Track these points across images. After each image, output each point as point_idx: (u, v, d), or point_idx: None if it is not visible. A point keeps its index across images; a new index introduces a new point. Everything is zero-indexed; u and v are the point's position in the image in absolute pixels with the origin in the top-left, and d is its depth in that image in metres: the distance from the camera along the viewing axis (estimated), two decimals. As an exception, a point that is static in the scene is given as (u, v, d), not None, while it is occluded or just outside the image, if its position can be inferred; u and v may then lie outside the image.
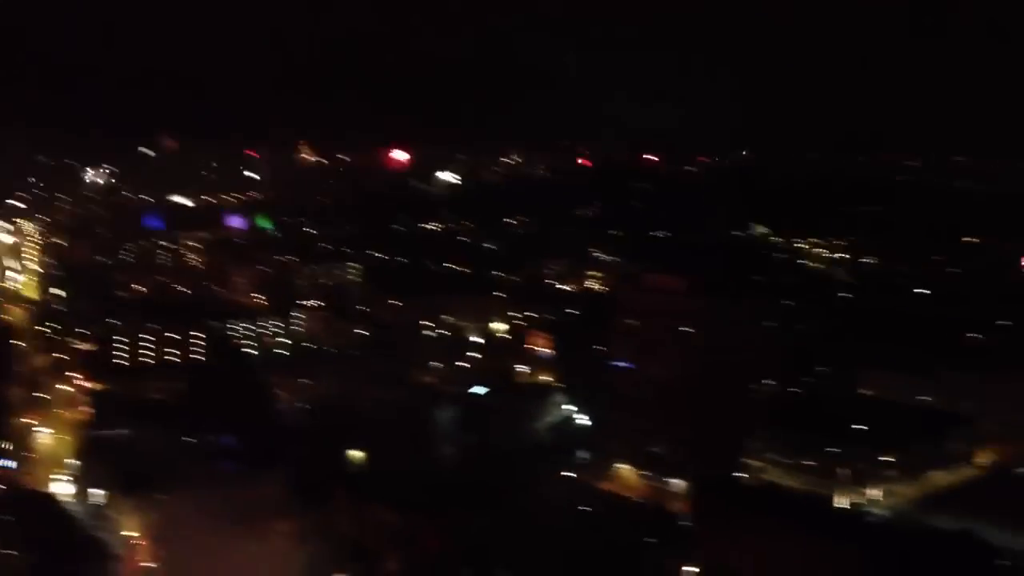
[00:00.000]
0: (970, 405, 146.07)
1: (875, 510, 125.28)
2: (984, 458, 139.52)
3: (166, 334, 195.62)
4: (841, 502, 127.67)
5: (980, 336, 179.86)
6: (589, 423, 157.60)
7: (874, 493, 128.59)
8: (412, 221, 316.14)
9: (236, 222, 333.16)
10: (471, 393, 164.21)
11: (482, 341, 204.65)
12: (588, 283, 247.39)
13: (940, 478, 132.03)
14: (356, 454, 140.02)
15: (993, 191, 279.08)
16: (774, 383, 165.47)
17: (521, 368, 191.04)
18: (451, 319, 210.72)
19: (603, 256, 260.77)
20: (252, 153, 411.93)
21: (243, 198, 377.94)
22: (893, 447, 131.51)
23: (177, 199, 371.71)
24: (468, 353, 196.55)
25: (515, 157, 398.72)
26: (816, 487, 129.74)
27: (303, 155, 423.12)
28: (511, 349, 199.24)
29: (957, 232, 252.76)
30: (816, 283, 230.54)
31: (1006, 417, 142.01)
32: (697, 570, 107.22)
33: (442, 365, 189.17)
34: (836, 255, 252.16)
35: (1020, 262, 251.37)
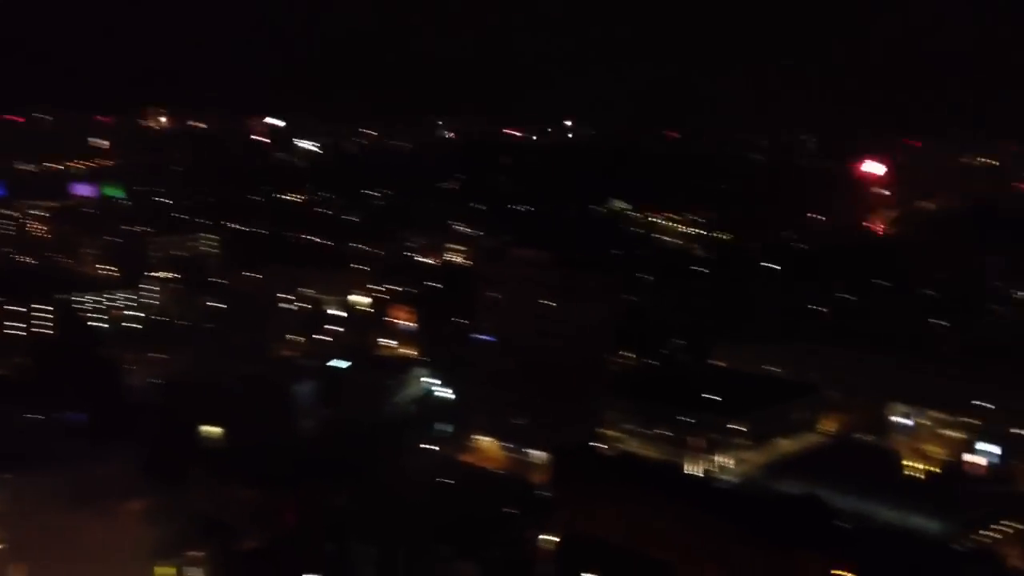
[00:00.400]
0: (814, 375, 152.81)
1: (726, 476, 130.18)
2: (827, 425, 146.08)
3: (9, 307, 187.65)
4: (694, 469, 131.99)
5: (824, 309, 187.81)
6: (451, 396, 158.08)
7: (725, 460, 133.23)
8: (271, 191, 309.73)
9: (84, 190, 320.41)
10: (331, 367, 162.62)
11: (344, 314, 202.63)
12: (450, 256, 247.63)
13: (786, 445, 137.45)
14: (212, 430, 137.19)
15: (834, 169, 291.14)
16: (631, 355, 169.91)
17: (383, 342, 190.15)
18: (311, 292, 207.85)
19: (465, 229, 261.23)
20: (100, 118, 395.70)
21: (91, 165, 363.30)
22: (743, 416, 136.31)
23: (21, 166, 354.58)
24: (329, 326, 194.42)
25: (377, 128, 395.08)
26: (671, 455, 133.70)
27: (153, 121, 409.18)
28: (373, 322, 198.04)
29: (803, 208, 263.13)
30: (672, 258, 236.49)
31: (847, 386, 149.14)
32: (557, 539, 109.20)
33: (302, 339, 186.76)
34: (692, 230, 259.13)
35: (861, 223, 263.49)
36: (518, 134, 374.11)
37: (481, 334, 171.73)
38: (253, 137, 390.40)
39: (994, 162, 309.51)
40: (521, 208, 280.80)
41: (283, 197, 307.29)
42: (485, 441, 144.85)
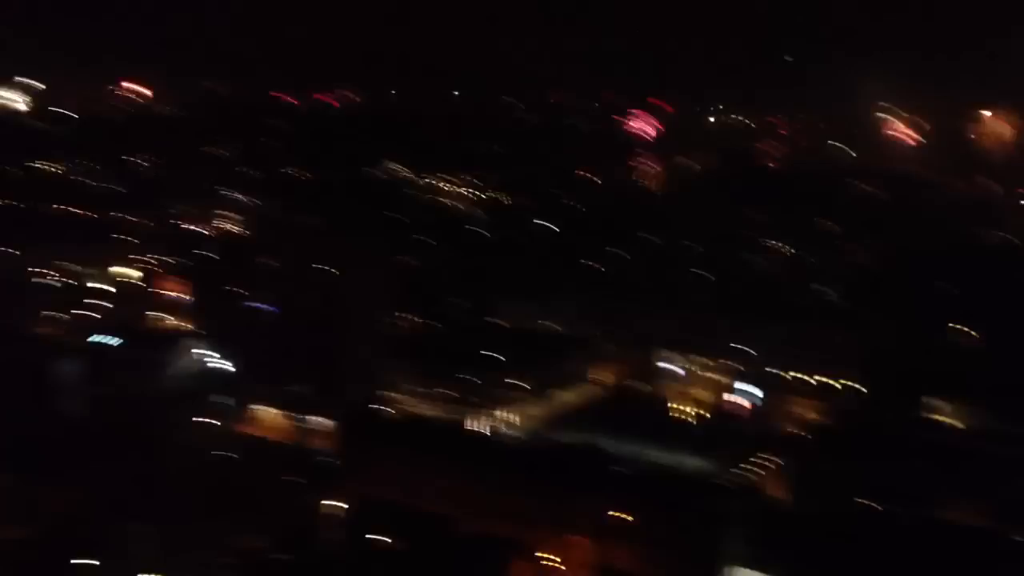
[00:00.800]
0: (590, 328, 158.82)
1: (509, 431, 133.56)
2: (603, 376, 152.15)
3: None
4: (477, 426, 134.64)
5: (597, 264, 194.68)
6: (229, 367, 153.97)
7: (507, 416, 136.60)
8: (23, 159, 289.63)
9: None
10: (97, 343, 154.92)
11: (111, 288, 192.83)
12: (225, 225, 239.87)
13: (565, 397, 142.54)
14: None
15: (604, 128, 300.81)
16: (412, 316, 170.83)
17: (155, 315, 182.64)
18: (73, 266, 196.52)
19: (240, 196, 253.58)
20: None
21: None
22: (523, 371, 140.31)
23: None
24: (94, 301, 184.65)
25: (140, 91, 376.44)
26: (454, 414, 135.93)
27: None
28: (143, 296, 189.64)
29: (575, 167, 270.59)
30: (449, 218, 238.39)
31: (620, 337, 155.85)
32: (344, 504, 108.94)
33: (64, 316, 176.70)
34: (469, 191, 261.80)
35: (630, 180, 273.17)
36: (292, 99, 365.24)
37: (259, 303, 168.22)
38: (3, 101, 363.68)
39: (750, 122, 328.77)
40: (297, 174, 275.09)
41: (37, 166, 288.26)
42: (266, 411, 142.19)
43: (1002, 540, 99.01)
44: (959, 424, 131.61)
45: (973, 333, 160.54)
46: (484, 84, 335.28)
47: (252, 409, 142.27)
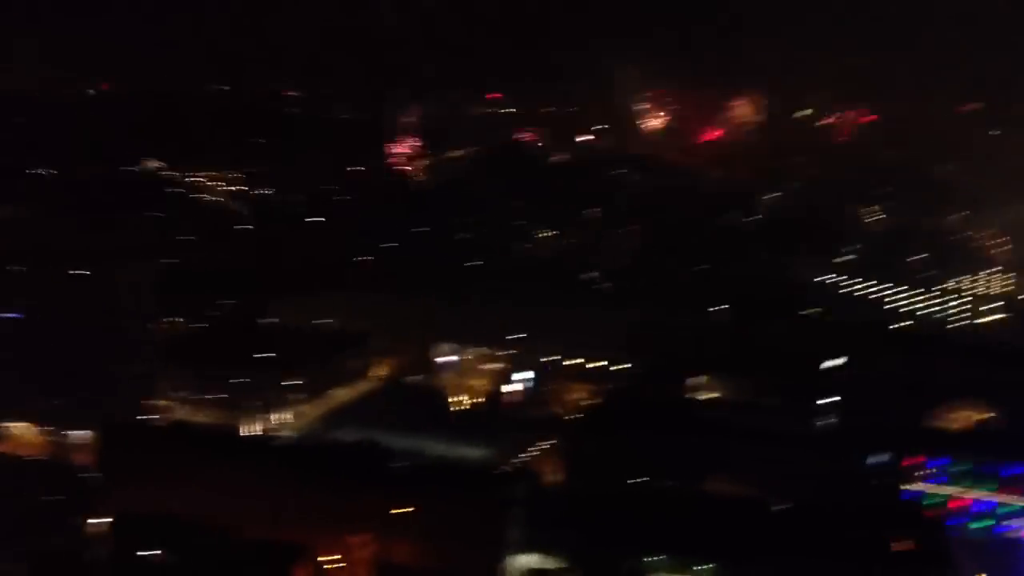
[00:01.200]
0: (364, 323, 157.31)
1: (284, 432, 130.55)
2: (379, 371, 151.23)
3: None
4: (251, 430, 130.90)
5: (369, 257, 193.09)
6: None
7: (282, 416, 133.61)
8: None
9: None
10: None
11: None
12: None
13: (341, 395, 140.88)
14: None
15: (370, 120, 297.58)
16: (178, 319, 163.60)
17: None
18: None
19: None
20: None
21: None
22: (296, 370, 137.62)
23: None
24: None
25: None
26: (226, 419, 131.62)
27: None
28: None
29: (344, 160, 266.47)
30: (214, 216, 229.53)
31: (395, 331, 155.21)
32: (110, 520, 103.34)
33: None
34: (233, 188, 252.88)
35: (399, 172, 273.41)
36: (38, 94, 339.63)
37: (4, 311, 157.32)
38: None
39: (513, 110, 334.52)
40: (42, 171, 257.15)
41: None
42: (19, 427, 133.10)
43: (763, 509, 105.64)
44: (720, 399, 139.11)
45: (729, 313, 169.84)
46: (248, 76, 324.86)
47: (4, 426, 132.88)
